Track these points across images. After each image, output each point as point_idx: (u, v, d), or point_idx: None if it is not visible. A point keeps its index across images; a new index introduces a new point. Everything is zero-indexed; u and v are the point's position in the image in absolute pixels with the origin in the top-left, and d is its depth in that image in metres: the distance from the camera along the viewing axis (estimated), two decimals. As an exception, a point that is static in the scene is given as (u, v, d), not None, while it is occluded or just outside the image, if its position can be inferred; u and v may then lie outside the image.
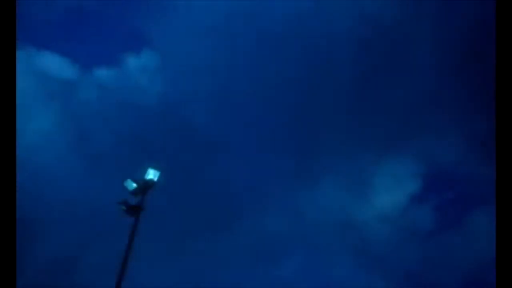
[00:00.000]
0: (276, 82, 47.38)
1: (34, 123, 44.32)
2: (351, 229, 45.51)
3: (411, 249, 45.64)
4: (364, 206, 46.56)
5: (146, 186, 21.26)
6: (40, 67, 46.90)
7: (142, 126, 46.22)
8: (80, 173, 42.18)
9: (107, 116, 46.55)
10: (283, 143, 46.89)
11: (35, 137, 43.56)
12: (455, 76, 46.45)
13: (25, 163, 40.59)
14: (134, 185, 21.19)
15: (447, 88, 46.89)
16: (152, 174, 21.36)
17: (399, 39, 46.91)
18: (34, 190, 39.42)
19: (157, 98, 48.00)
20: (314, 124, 47.06)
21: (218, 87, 47.81)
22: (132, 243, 20.52)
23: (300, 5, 46.13)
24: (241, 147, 47.13)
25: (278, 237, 44.15)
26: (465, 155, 46.41)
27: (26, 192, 38.20)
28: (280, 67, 47.27)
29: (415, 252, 45.27)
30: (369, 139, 47.06)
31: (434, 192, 48.31)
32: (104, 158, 42.75)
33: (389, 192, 46.90)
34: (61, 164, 42.89)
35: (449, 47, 46.72)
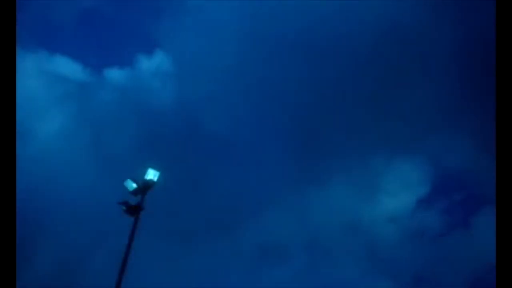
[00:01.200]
0: (288, 84, 47.46)
1: (46, 125, 44.56)
2: (359, 230, 45.48)
3: (420, 251, 45.61)
4: (372, 207, 46.55)
5: (146, 186, 21.26)
6: (53, 70, 47.15)
7: (154, 128, 46.39)
8: (92, 173, 42.24)
9: (119, 118, 46.69)
10: (293, 144, 46.93)
11: (47, 139, 43.83)
12: (467, 79, 46.29)
13: (36, 164, 40.98)
14: (134, 185, 21.19)
15: (458, 90, 46.82)
16: (152, 174, 21.35)
17: (411, 42, 46.85)
18: (45, 190, 39.61)
19: (169, 100, 48.12)
20: (323, 126, 47.07)
21: (230, 89, 47.93)
22: (132, 243, 20.52)
23: (315, 7, 46.07)
24: (251, 149, 47.20)
25: (285, 238, 44.24)
26: (475, 157, 46.26)
27: (37, 192, 38.43)
28: (292, 69, 47.33)
29: (424, 254, 45.23)
30: (378, 141, 47.04)
31: (443, 194, 48.28)
32: (115, 159, 42.73)
33: (398, 194, 46.88)
34: (72, 165, 43.01)
35: (461, 50, 46.61)
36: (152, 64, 49.55)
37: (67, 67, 47.40)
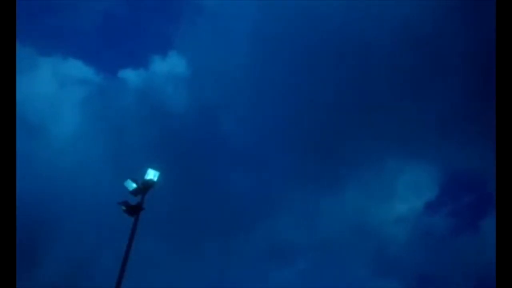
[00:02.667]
0: (302, 87, 47.54)
1: (61, 127, 44.75)
2: (369, 232, 45.50)
3: (429, 252, 45.62)
4: (383, 209, 46.60)
5: (145, 186, 21.25)
6: (68, 72, 47.36)
7: (167, 129, 46.54)
8: (105, 175, 42.31)
9: (134, 120, 46.83)
10: (304, 147, 46.99)
11: (61, 141, 44.05)
12: (480, 82, 46.13)
13: (50, 165, 41.10)
14: (134, 185, 21.18)
15: (471, 93, 46.73)
16: (152, 174, 21.35)
17: (424, 46, 46.77)
18: (58, 191, 39.67)
19: (182, 102, 48.24)
20: (335, 129, 47.17)
21: (243, 92, 48.06)
22: (132, 243, 20.52)
23: (332, 11, 46.05)
24: (262, 151, 47.27)
25: (294, 240, 44.34)
26: (486, 159, 46.11)
27: (50, 194, 38.48)
28: (306, 72, 47.42)
29: (433, 256, 45.23)
30: (389, 143, 47.09)
31: (453, 196, 48.36)
32: (128, 160, 42.78)
33: (408, 196, 46.92)
34: (86, 166, 43.15)
35: (475, 53, 46.42)
36: (167, 66, 49.73)
37: (82, 69, 47.72)
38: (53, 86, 46.23)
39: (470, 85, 46.51)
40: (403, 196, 46.97)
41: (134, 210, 20.96)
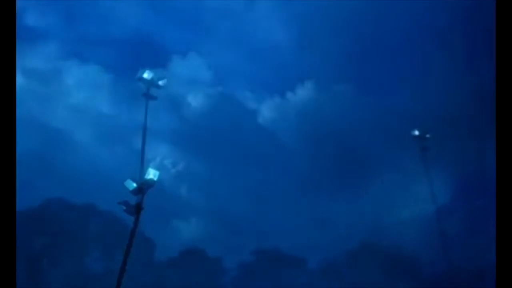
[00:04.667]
0: (320, 89, 47.60)
1: (80, 130, 44.90)
2: (382, 234, 45.56)
3: (442, 254, 45.47)
4: (395, 212, 46.64)
5: (146, 186, 21.25)
6: (90, 78, 47.39)
7: (187, 132, 46.62)
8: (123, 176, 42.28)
9: (156, 123, 46.79)
10: (321, 154, 47.08)
11: (78, 143, 44.23)
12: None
13: (71, 168, 41.29)
14: (134, 185, 21.18)
15: (489, 92, 46.54)
16: (152, 174, 21.35)
17: (441, 48, 46.62)
18: (74, 197, 39.81)
19: (204, 106, 48.26)
20: (347, 133, 47.18)
21: (263, 92, 48.06)
22: (132, 243, 20.53)
23: (358, 11, 45.93)
24: (278, 155, 47.37)
25: (305, 243, 44.51)
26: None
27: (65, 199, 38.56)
28: (325, 75, 47.48)
29: (446, 258, 45.10)
30: (402, 145, 47.00)
31: (466, 199, 48.43)
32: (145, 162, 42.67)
33: (422, 199, 46.77)
34: (102, 168, 43.26)
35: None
36: (187, 67, 49.74)
37: (102, 74, 47.76)
38: (74, 90, 46.52)
39: (490, 87, 46.31)
40: (416, 199, 46.99)
41: (134, 209, 20.98)
